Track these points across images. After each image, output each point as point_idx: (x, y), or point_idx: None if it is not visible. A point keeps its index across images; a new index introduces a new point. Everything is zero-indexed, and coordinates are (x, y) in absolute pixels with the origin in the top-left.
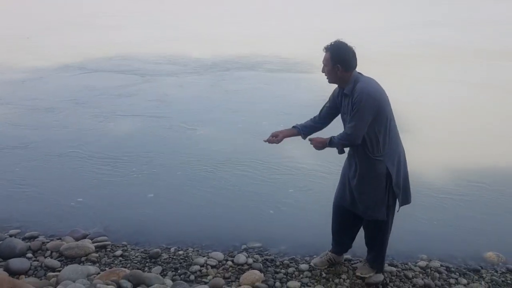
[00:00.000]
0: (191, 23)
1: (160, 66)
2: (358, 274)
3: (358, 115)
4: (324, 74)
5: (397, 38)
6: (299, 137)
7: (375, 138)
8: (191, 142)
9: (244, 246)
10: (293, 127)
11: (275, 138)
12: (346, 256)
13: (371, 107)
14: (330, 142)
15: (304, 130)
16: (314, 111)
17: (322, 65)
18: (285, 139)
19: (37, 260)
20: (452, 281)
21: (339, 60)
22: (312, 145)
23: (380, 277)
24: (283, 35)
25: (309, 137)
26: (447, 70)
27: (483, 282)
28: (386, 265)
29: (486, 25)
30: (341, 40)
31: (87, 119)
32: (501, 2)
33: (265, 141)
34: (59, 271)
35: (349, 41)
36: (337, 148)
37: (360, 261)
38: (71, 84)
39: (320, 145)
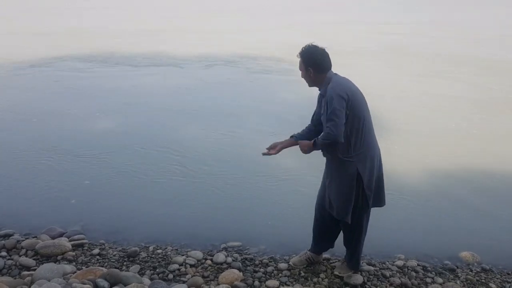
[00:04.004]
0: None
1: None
2: (336, 273)
3: (333, 113)
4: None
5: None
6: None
7: (346, 139)
8: (175, 140)
9: (223, 245)
10: (291, 136)
11: (273, 150)
12: (325, 255)
13: (342, 105)
14: (315, 144)
15: (301, 139)
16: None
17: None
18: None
19: (12, 259)
20: (428, 280)
21: (310, 63)
22: (300, 149)
23: (359, 279)
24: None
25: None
26: None
27: (458, 281)
28: (364, 264)
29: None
30: (312, 43)
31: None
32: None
33: (263, 154)
34: (34, 270)
35: (321, 44)
36: (322, 150)
37: (339, 260)
38: None
39: (306, 147)
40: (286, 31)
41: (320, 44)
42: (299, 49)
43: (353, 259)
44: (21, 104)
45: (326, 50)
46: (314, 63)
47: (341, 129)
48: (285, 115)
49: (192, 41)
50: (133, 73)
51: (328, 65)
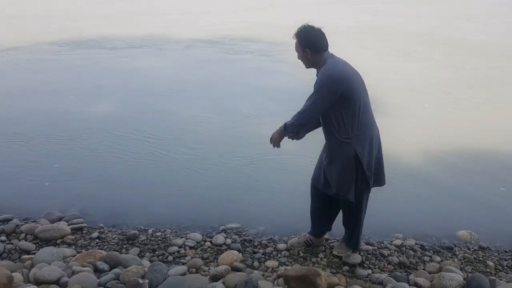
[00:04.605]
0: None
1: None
2: (335, 253)
3: (314, 97)
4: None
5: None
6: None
7: (341, 120)
8: (170, 124)
9: (222, 227)
10: None
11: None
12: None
13: (331, 89)
14: (285, 127)
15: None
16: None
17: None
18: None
19: (11, 243)
20: (426, 258)
21: (307, 44)
22: (272, 144)
23: (358, 258)
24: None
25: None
26: None
27: (456, 260)
28: (362, 244)
29: None
30: (307, 24)
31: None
32: None
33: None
34: (34, 253)
35: (316, 23)
36: (292, 131)
37: (337, 240)
38: None
39: (278, 138)
40: (263, 12)
41: (315, 24)
42: (276, 30)
43: (352, 239)
44: None
45: (322, 30)
46: (311, 43)
47: (314, 113)
48: (262, 97)
49: (170, 22)
50: (108, 56)
51: (325, 45)
